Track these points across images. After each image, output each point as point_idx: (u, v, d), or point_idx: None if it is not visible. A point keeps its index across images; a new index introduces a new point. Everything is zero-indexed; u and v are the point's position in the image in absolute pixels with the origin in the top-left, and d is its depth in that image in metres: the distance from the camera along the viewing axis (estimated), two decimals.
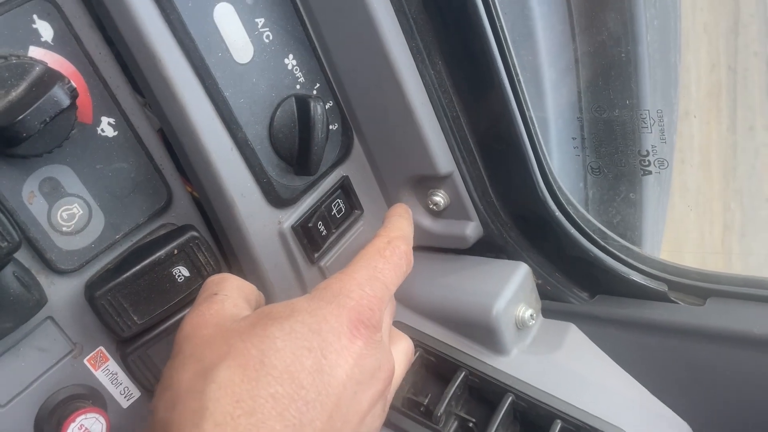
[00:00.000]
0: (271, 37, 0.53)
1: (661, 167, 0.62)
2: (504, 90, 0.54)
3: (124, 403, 0.57)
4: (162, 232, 0.56)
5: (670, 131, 0.96)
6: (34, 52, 0.47)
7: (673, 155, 1.09)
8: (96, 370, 0.55)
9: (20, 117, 0.43)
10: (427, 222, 0.64)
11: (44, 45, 0.47)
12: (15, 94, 0.44)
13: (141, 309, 0.53)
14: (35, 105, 0.43)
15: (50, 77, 0.45)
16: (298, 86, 0.56)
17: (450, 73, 0.56)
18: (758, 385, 0.53)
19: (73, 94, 0.45)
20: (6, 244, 0.45)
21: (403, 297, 0.64)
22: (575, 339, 0.61)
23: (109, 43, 0.50)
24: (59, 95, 0.44)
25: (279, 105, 0.54)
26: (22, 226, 0.48)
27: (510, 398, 0.56)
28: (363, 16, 0.52)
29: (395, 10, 0.53)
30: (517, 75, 0.54)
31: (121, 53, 0.50)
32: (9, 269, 0.47)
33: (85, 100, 0.50)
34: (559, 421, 0.54)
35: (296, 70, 0.55)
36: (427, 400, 0.58)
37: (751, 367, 0.54)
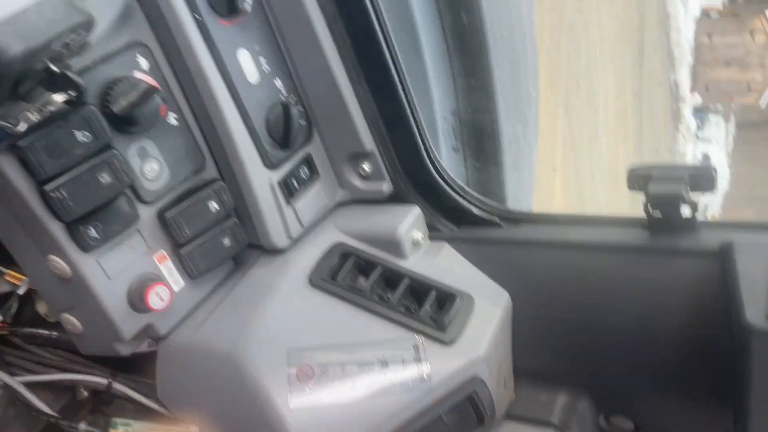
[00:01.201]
0: (268, 69, 0.92)
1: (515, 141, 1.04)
2: (402, 101, 0.95)
3: (175, 288, 0.93)
4: (200, 183, 0.93)
5: (528, 136, 1.40)
6: (137, 74, 0.84)
7: (533, 153, 1.53)
8: (159, 264, 0.91)
9: (140, 109, 0.80)
10: (358, 183, 1.04)
11: (142, 71, 0.85)
12: (132, 97, 0.81)
13: (190, 225, 0.90)
14: (147, 104, 0.81)
15: (151, 89, 0.82)
16: (282, 97, 0.94)
17: (371, 89, 0.96)
18: (541, 267, 0.96)
19: (164, 100, 0.83)
20: (127, 179, 0.81)
21: (347, 229, 1.03)
22: (447, 251, 1.02)
23: (173, 71, 0.88)
24: (158, 100, 0.82)
25: (271, 107, 0.93)
26: (129, 174, 0.84)
27: (407, 280, 0.96)
28: (320, 56, 0.92)
29: (339, 55, 0.92)
30: (410, 92, 0.95)
31: (181, 78, 0.87)
32: (123, 197, 0.83)
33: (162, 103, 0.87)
34: (434, 291, 0.95)
35: (281, 87, 0.94)
36: (361, 285, 0.97)
37: (539, 257, 0.96)
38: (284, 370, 0.88)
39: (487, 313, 0.94)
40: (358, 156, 1.02)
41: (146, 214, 0.88)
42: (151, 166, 0.87)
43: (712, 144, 17.31)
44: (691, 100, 14.65)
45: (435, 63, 1.12)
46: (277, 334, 0.90)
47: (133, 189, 0.86)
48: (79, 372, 0.98)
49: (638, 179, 0.85)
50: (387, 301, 0.94)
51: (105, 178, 0.80)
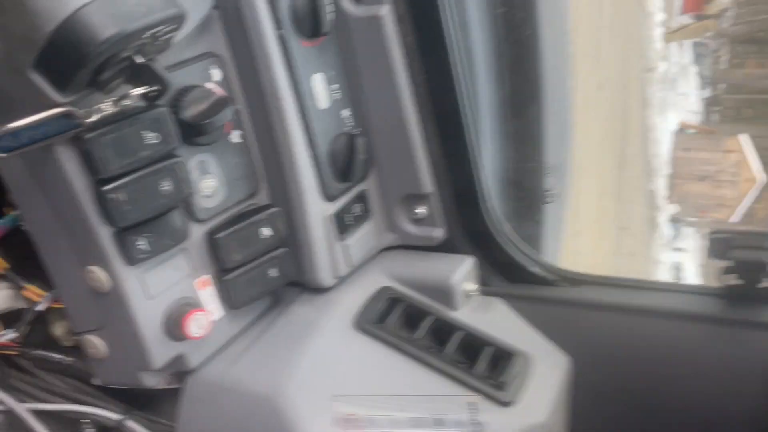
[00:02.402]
0: (338, 97, 0.89)
1: (555, 199, 1.01)
2: (467, 146, 0.92)
3: (214, 317, 0.85)
4: (251, 207, 0.87)
5: (563, 173, 1.34)
6: (209, 85, 0.80)
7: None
8: (200, 289, 0.83)
9: (210, 119, 0.75)
10: (410, 227, 0.99)
11: (214, 82, 0.81)
12: (203, 106, 0.77)
13: (240, 250, 0.83)
14: (218, 114, 0.76)
15: (223, 100, 0.78)
16: (346, 128, 0.91)
17: (438, 130, 0.93)
18: (603, 332, 0.90)
19: (234, 113, 0.79)
20: (188, 191, 0.76)
21: (395, 274, 0.97)
22: (499, 307, 0.96)
23: (244, 86, 0.84)
24: (228, 112, 0.77)
25: (337, 136, 0.89)
26: (189, 185, 0.78)
27: (461, 333, 0.89)
28: (392, 90, 0.89)
29: (411, 91, 0.90)
30: (475, 138, 0.92)
31: (252, 95, 0.84)
32: (177, 210, 0.77)
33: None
34: (491, 347, 0.88)
35: (348, 118, 0.91)
36: (411, 334, 0.90)
37: (601, 320, 0.91)
38: (327, 418, 0.79)
39: (548, 376, 0.87)
40: (414, 198, 0.97)
41: (196, 233, 0.82)
42: (208, 183, 0.82)
43: (685, 254, 17.69)
44: (667, 210, 15.08)
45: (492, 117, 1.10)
46: (320, 378, 0.82)
47: (187, 204, 0.80)
48: (90, 404, 0.88)
49: (719, 243, 0.82)
50: (440, 354, 0.87)
51: (166, 186, 0.74)
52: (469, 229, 0.99)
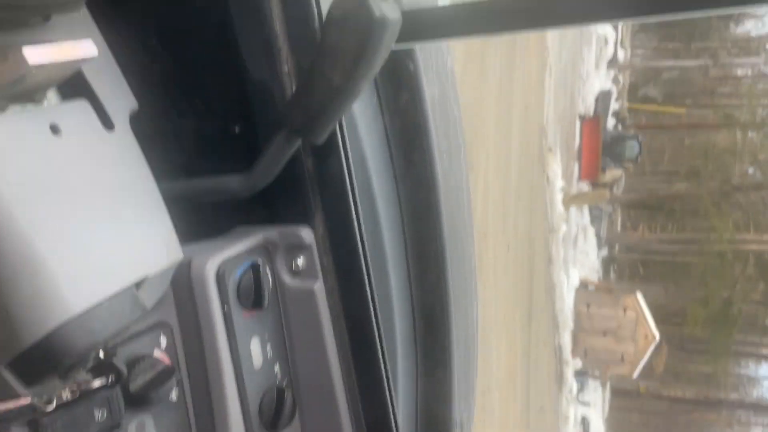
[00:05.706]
0: (271, 354, 1.00)
1: None
2: (387, 403, 1.03)
3: None
4: None
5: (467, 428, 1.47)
6: (157, 352, 0.89)
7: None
8: None
9: (153, 390, 0.84)
10: None
11: (161, 349, 0.90)
12: (150, 376, 0.85)
13: None
14: (164, 386, 0.85)
15: (169, 370, 0.87)
16: (277, 381, 1.01)
17: (359, 386, 1.04)
18: None
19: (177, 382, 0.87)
20: None
21: None
22: None
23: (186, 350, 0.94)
24: (173, 382, 0.86)
25: (267, 390, 0.98)
26: None
27: None
28: (320, 349, 1.01)
29: (337, 349, 1.02)
30: (394, 394, 1.04)
31: (193, 357, 0.93)
32: None
33: None
34: None
35: (279, 372, 1.01)
36: None
37: None
38: None
39: None
40: None
41: None
42: None
43: (590, 408, 18.06)
44: (572, 363, 15.54)
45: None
46: None
47: None
48: None
49: None
50: None
51: None
52: None
